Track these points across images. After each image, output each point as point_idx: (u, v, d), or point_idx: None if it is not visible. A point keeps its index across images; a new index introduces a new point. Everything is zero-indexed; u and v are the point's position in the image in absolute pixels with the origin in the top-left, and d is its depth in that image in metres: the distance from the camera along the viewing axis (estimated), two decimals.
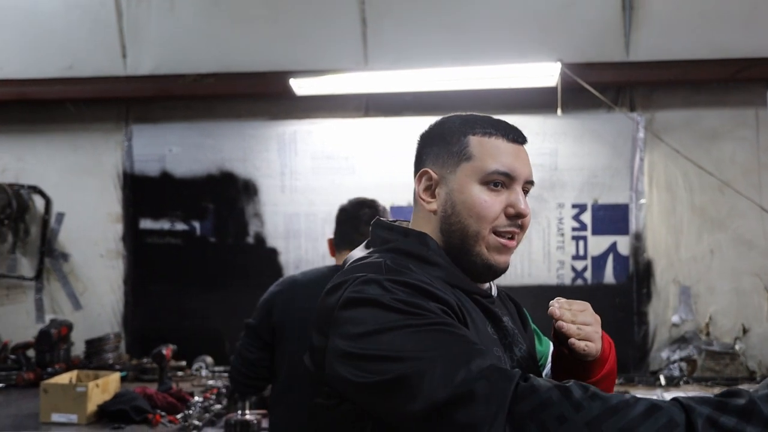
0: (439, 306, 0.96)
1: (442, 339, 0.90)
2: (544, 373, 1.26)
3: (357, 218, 2.15)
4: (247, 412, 2.50)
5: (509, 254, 1.12)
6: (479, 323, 1.05)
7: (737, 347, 3.38)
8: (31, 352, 3.48)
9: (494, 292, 1.17)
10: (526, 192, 1.13)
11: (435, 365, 0.87)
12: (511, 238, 1.10)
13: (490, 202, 1.08)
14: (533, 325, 1.32)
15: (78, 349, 3.62)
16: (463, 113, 1.17)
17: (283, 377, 2.07)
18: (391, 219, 1.21)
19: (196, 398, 2.81)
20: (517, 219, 1.10)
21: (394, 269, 1.00)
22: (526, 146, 1.15)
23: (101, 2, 3.63)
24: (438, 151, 1.13)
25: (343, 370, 0.94)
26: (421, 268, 1.04)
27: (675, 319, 3.45)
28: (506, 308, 1.21)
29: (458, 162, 1.10)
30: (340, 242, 2.19)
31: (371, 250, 1.12)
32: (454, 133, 1.12)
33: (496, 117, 1.15)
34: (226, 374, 3.36)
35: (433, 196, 1.13)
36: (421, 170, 1.14)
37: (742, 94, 3.39)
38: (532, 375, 0.88)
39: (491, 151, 1.09)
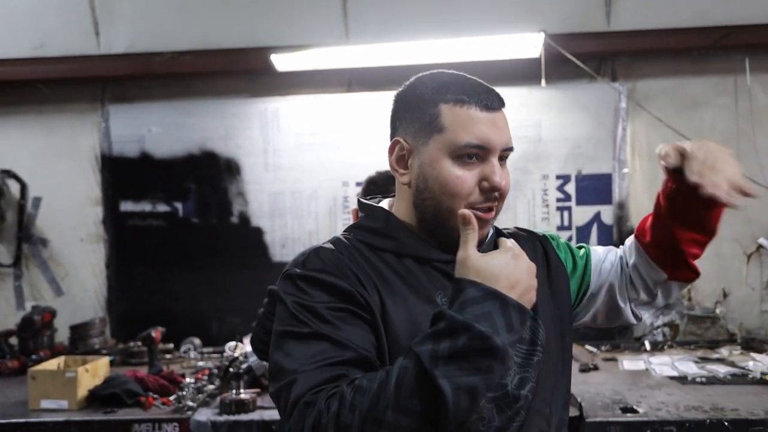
0: (331, 300, 1.00)
1: (310, 352, 0.96)
2: (594, 280, 1.25)
3: (386, 192, 2.12)
4: (242, 391, 2.49)
5: (487, 225, 1.09)
6: (414, 294, 1.04)
7: (718, 311, 3.46)
8: (13, 340, 3.41)
9: (483, 247, 1.13)
10: (504, 158, 1.08)
11: (292, 386, 0.94)
12: (489, 210, 1.07)
13: (463, 178, 1.03)
14: (565, 252, 1.27)
15: (62, 336, 3.55)
16: (437, 73, 1.10)
17: None
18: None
19: (188, 380, 2.79)
20: (492, 192, 1.05)
21: (309, 260, 1.05)
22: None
23: None
24: (410, 119, 1.08)
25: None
26: (375, 241, 1.09)
27: None
28: None
29: (430, 133, 1.05)
30: None
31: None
32: (427, 100, 1.06)
33: (472, 79, 1.08)
34: (215, 355, 3.36)
35: (406, 167, 1.09)
36: (393, 140, 1.11)
37: (721, 62, 3.42)
38: (335, 390, 0.91)
39: (464, 122, 1.03)
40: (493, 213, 1.08)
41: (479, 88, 1.07)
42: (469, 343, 0.85)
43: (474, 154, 1.03)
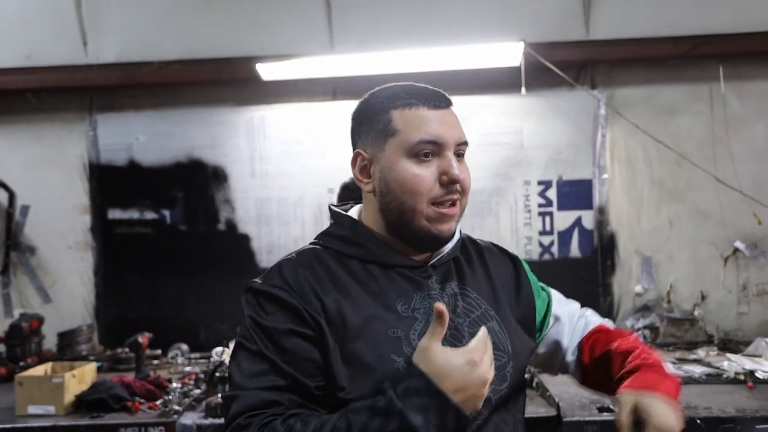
0: (280, 320, 1.05)
1: (254, 369, 1.03)
2: (545, 333, 1.28)
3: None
4: None
5: (452, 221, 1.11)
6: (374, 301, 1.08)
7: (696, 313, 3.53)
8: (1, 347, 3.44)
9: (449, 251, 1.18)
10: (461, 154, 1.12)
11: (237, 400, 1.01)
12: (453, 205, 1.10)
13: (421, 175, 1.07)
14: (535, 282, 1.30)
15: (49, 343, 3.58)
16: (388, 86, 1.15)
17: None
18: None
19: (175, 384, 2.82)
20: (452, 185, 1.08)
21: (270, 275, 1.11)
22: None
23: None
24: (366, 130, 1.13)
25: None
26: (343, 248, 1.13)
27: (638, 288, 3.59)
28: (460, 273, 1.19)
29: (385, 139, 1.10)
30: None
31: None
32: (378, 110, 1.12)
33: (419, 85, 1.14)
34: (202, 360, 3.39)
35: (368, 176, 1.14)
36: (354, 152, 1.16)
37: (696, 71, 3.50)
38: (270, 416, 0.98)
39: (414, 122, 1.08)
40: (457, 208, 1.11)
41: (426, 90, 1.13)
42: (398, 431, 0.91)
43: (429, 151, 1.08)
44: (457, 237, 1.20)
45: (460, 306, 1.14)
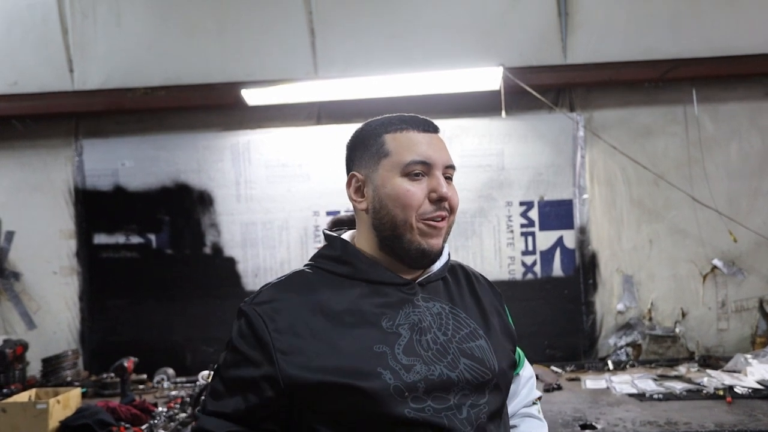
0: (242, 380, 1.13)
1: (215, 409, 1.14)
2: (520, 370, 1.34)
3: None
4: None
5: (440, 237, 1.18)
6: (359, 321, 1.13)
7: (677, 330, 3.59)
8: None
9: (438, 270, 1.23)
10: (449, 178, 1.20)
11: None
12: (441, 219, 1.17)
13: (413, 191, 1.15)
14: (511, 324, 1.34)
15: (34, 369, 3.56)
16: (379, 117, 1.25)
17: None
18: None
19: (161, 408, 2.82)
20: (441, 202, 1.16)
21: (257, 296, 1.18)
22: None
23: (44, 19, 3.61)
24: (360, 154, 1.22)
25: None
26: (334, 267, 1.20)
27: (620, 306, 3.64)
28: (449, 292, 1.24)
29: (378, 160, 1.18)
30: None
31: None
32: (371, 135, 1.21)
33: (408, 114, 1.24)
34: (188, 385, 3.39)
35: (362, 196, 1.21)
36: (350, 174, 1.23)
37: (671, 93, 3.61)
38: None
39: (406, 144, 1.17)
40: (445, 223, 1.19)
41: (415, 117, 1.23)
42: None
43: (419, 171, 1.16)
44: (445, 258, 1.26)
45: (445, 324, 1.19)
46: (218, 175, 3.72)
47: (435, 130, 1.22)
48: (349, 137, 1.27)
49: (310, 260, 1.26)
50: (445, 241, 1.21)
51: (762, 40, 3.44)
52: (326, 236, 1.28)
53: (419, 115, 1.24)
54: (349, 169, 1.25)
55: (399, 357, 1.09)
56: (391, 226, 1.16)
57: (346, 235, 1.27)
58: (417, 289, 1.20)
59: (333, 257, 1.22)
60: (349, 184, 1.23)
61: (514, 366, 1.28)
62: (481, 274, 1.37)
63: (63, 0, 3.61)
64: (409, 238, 1.15)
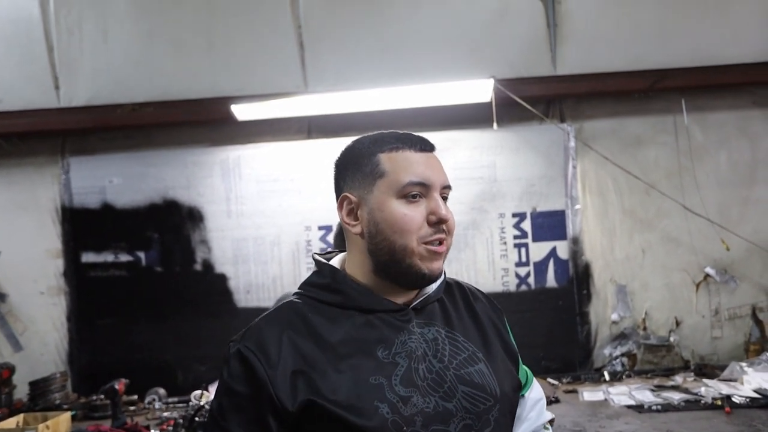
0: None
1: None
2: (527, 392, 1.27)
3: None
4: None
5: (441, 259, 1.13)
6: (355, 351, 1.08)
7: (672, 339, 3.59)
8: None
9: (433, 293, 1.19)
10: (445, 198, 1.14)
11: None
12: (440, 244, 1.12)
13: (411, 215, 1.09)
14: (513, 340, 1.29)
15: (21, 392, 3.48)
16: (371, 133, 1.18)
17: None
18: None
19: (153, 431, 2.76)
20: (440, 225, 1.10)
21: (246, 334, 1.12)
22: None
23: (28, 36, 3.56)
24: (353, 174, 1.13)
25: None
26: (324, 296, 1.15)
27: (614, 316, 3.64)
28: (446, 315, 1.19)
29: (373, 181, 1.11)
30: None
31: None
32: (365, 154, 1.13)
33: (401, 131, 1.17)
34: (181, 405, 3.33)
35: (356, 218, 1.14)
36: (341, 196, 1.15)
37: (660, 103, 3.63)
38: None
39: (402, 164, 1.10)
40: (444, 246, 1.13)
41: (410, 135, 1.16)
42: None
43: (417, 193, 1.11)
44: (441, 278, 1.21)
45: (441, 350, 1.14)
46: (208, 191, 3.68)
47: (431, 148, 1.16)
48: (339, 155, 1.19)
49: (299, 288, 1.20)
50: (443, 261, 1.15)
51: (749, 50, 3.47)
52: (316, 262, 1.23)
53: (413, 132, 1.17)
54: (339, 188, 1.18)
55: (396, 388, 1.05)
56: (389, 251, 1.11)
57: (336, 260, 1.22)
58: (411, 314, 1.15)
59: (322, 285, 1.17)
60: (340, 207, 1.16)
61: (519, 387, 1.23)
62: (479, 290, 1.32)
63: (48, 17, 3.57)
64: (409, 263, 1.10)
